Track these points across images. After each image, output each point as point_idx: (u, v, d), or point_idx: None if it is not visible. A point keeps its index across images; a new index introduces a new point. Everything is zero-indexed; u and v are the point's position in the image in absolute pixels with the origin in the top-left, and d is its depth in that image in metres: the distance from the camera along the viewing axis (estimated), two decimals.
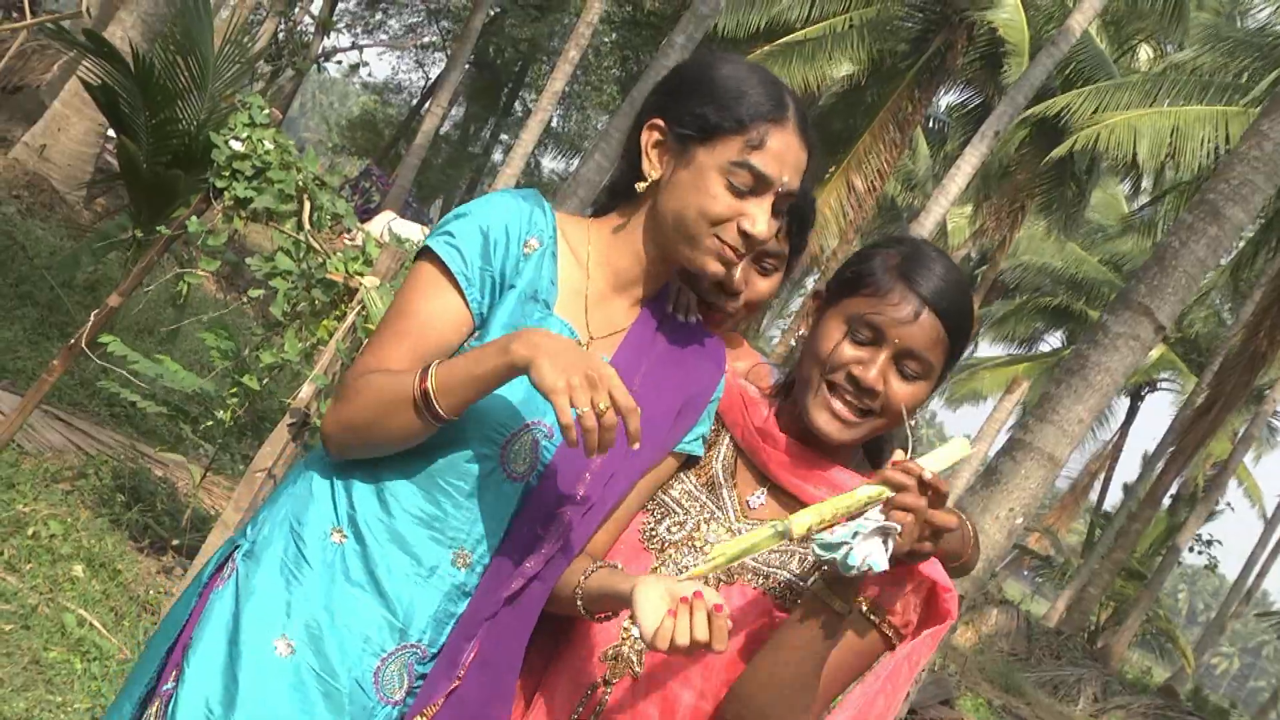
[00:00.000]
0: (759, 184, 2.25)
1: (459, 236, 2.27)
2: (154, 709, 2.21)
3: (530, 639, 2.27)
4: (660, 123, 2.31)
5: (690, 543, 2.33)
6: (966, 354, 41.56)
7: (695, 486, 2.38)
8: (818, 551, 2.11)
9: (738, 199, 2.25)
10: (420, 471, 2.25)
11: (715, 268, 2.31)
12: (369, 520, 2.25)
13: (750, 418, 2.40)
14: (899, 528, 2.06)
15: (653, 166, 2.32)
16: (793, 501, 2.36)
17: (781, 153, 2.26)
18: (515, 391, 2.22)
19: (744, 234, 2.26)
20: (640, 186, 2.31)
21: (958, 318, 2.28)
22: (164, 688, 2.22)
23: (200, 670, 2.18)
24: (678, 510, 2.36)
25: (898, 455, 2.13)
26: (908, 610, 2.31)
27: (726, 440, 2.43)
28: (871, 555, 2.06)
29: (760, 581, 2.31)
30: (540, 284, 2.29)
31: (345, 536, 2.26)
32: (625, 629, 2.28)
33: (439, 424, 2.15)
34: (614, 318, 2.38)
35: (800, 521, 2.07)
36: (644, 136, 2.33)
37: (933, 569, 2.30)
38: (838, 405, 2.29)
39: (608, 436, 2.03)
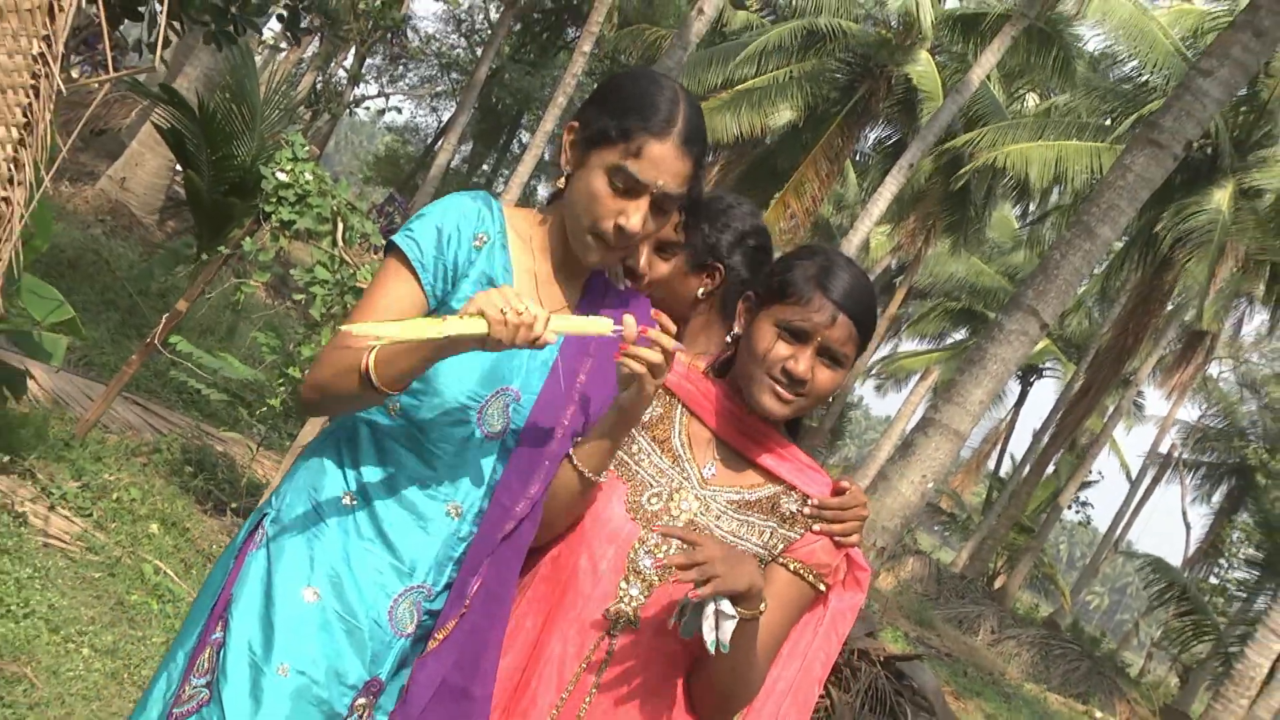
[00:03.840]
0: (635, 187, 2.22)
1: (416, 232, 2.25)
2: (205, 655, 2.19)
3: (539, 601, 2.30)
4: (575, 124, 2.29)
5: (667, 512, 2.33)
6: (890, 348, 41.77)
7: (662, 460, 2.37)
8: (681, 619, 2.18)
9: (617, 198, 2.22)
10: (413, 440, 2.24)
11: (592, 257, 2.29)
12: (374, 485, 2.24)
13: (705, 394, 2.42)
14: (735, 618, 2.11)
15: (567, 162, 2.29)
16: (739, 461, 2.39)
17: (657, 161, 2.21)
18: (483, 363, 2.21)
19: (619, 229, 2.23)
20: (559, 182, 2.30)
21: (864, 315, 2.31)
22: (212, 637, 2.20)
23: (242, 620, 2.17)
24: (653, 483, 2.35)
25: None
26: (838, 573, 2.39)
27: (681, 416, 2.42)
28: (707, 633, 2.10)
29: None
30: (494, 271, 2.26)
31: (355, 500, 2.24)
32: (622, 589, 2.29)
33: (381, 394, 2.13)
34: (562, 293, 2.36)
35: (453, 319, 2.05)
36: (564, 137, 2.31)
37: (854, 553, 2.40)
38: (778, 390, 2.30)
39: (525, 326, 2.03)
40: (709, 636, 2.10)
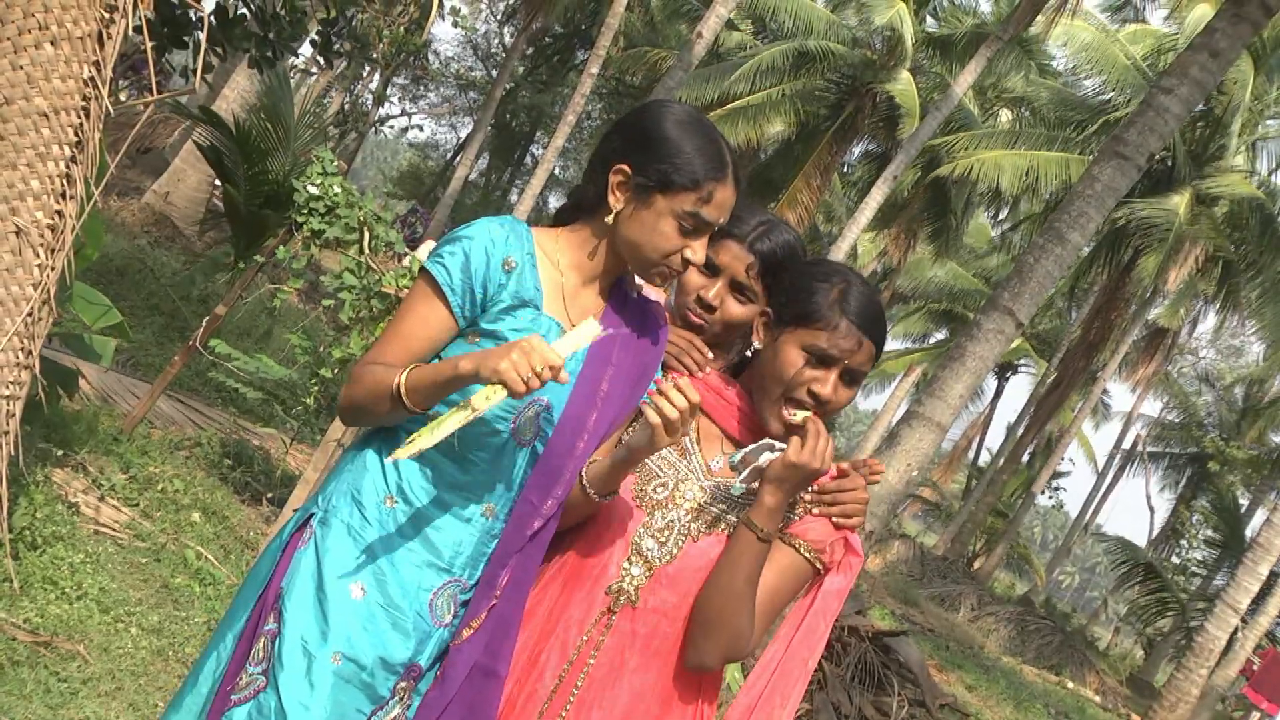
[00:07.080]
0: (703, 227, 2.25)
1: (446, 257, 2.23)
2: (261, 644, 2.19)
3: (551, 582, 2.31)
4: (626, 168, 2.26)
5: (672, 500, 2.33)
6: None
7: (671, 453, 2.36)
8: (734, 461, 2.24)
9: (683, 237, 2.25)
10: (450, 449, 2.23)
11: (655, 283, 2.34)
12: (414, 488, 2.24)
13: (718, 394, 2.40)
14: (779, 449, 2.21)
15: (617, 201, 2.27)
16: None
17: (722, 203, 2.25)
18: None
19: (685, 261, 2.27)
20: (609, 219, 2.27)
21: (882, 335, 2.31)
22: (266, 628, 2.20)
23: (296, 613, 2.17)
24: (660, 473, 2.34)
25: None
26: (834, 552, 2.34)
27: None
28: (748, 460, 2.23)
29: (733, 529, 2.30)
30: (526, 292, 2.25)
31: (396, 501, 2.24)
32: (624, 569, 2.29)
33: (412, 413, 2.16)
34: (588, 305, 2.35)
35: (479, 398, 2.08)
36: (611, 177, 2.27)
37: (852, 538, 2.35)
38: (791, 410, 2.29)
39: (547, 377, 2.03)
40: (748, 465, 2.21)
